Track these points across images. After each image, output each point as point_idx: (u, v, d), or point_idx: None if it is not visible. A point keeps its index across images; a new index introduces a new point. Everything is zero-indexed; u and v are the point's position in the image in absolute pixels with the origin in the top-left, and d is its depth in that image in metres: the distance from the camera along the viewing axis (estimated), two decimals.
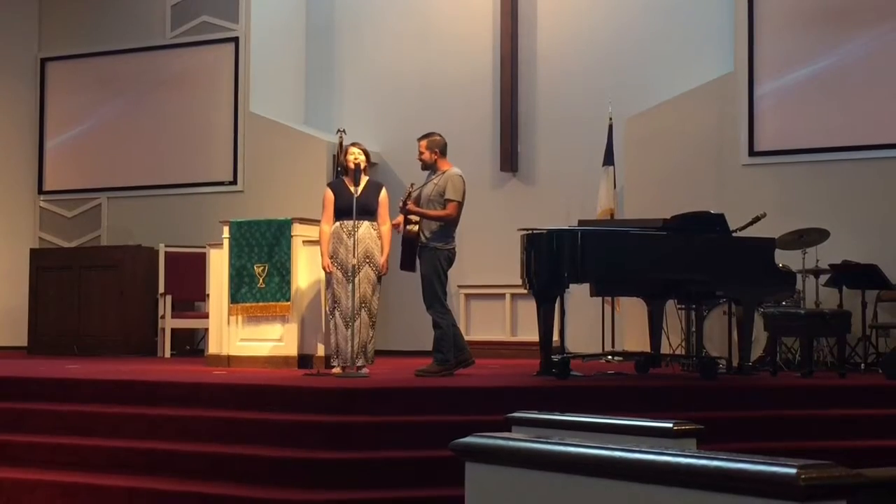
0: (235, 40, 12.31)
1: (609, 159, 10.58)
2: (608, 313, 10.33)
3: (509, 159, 11.53)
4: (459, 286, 11.21)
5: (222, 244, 9.18)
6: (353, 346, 7.82)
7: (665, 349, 8.95)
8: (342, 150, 8.45)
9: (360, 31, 12.50)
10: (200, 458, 6.18)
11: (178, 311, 11.41)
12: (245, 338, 9.03)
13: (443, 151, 8.07)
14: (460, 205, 7.94)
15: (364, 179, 8.09)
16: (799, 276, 9.00)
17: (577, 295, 9.81)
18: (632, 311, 10.09)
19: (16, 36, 13.27)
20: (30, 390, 7.46)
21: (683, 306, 8.88)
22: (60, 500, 6.08)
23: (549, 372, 7.60)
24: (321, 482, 5.82)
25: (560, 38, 11.58)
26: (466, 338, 8.41)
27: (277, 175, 11.90)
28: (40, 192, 13.30)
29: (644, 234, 7.95)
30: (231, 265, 9.07)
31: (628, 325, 10.29)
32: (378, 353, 8.46)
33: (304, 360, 8.80)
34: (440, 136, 8.11)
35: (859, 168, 9.98)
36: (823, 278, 9.27)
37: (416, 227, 7.90)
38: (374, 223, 8.01)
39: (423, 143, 8.08)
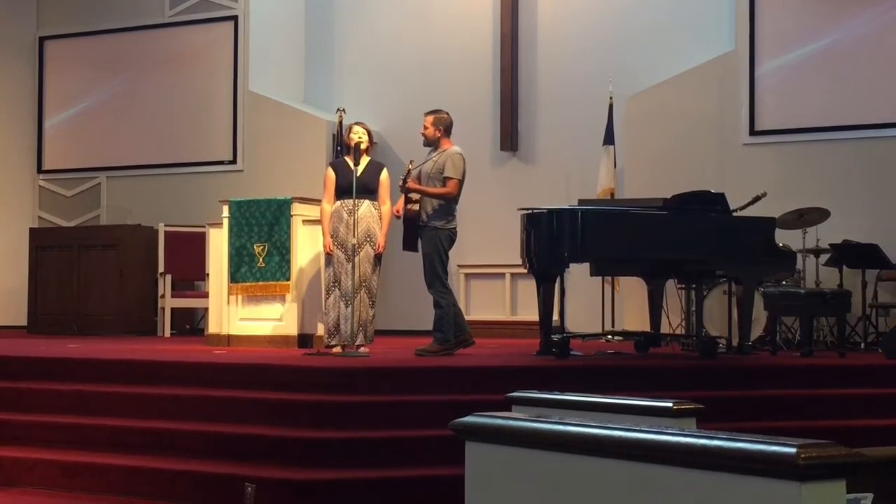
0: (234, 19, 12.27)
1: (609, 138, 10.56)
2: (608, 293, 10.33)
3: (509, 138, 11.51)
4: (459, 266, 11.20)
5: (222, 223, 9.17)
6: (352, 325, 7.82)
7: (665, 329, 8.95)
8: (343, 128, 8.42)
9: (360, 10, 12.46)
10: (200, 437, 6.20)
11: (177, 290, 11.41)
12: (245, 317, 9.04)
13: (447, 130, 8.03)
14: (460, 182, 7.91)
15: (365, 159, 8.06)
16: (799, 256, 9.00)
17: (577, 274, 9.81)
18: (632, 290, 10.08)
19: (14, 14, 13.22)
20: (29, 369, 7.46)
21: (683, 286, 8.88)
22: (60, 479, 6.10)
23: (548, 351, 7.60)
24: (321, 461, 5.83)
25: (560, 16, 11.54)
26: (466, 317, 8.40)
27: (277, 154, 11.88)
28: (39, 171, 13.29)
29: (644, 214, 7.94)
30: (231, 244, 9.06)
31: (628, 305, 10.29)
32: (378, 332, 8.45)
33: (304, 339, 8.80)
34: (448, 114, 8.07)
35: (860, 147, 9.96)
36: (824, 258, 9.27)
37: (416, 207, 7.88)
38: (375, 202, 7.99)
39: (430, 118, 8.03)
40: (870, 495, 2.75)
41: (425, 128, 8.03)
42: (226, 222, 9.12)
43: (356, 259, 7.84)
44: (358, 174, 7.92)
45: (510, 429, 2.44)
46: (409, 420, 6.19)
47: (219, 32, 12.38)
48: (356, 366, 6.84)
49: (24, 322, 12.24)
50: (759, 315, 8.73)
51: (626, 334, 9.42)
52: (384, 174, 8.10)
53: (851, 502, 2.68)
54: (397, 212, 7.98)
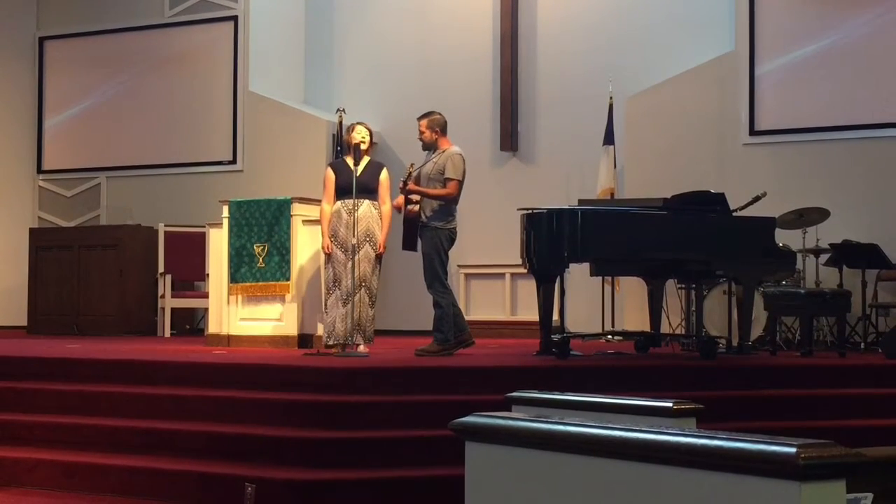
0: (234, 19, 12.27)
1: (609, 138, 10.56)
2: (608, 293, 10.33)
3: (509, 138, 11.51)
4: (459, 266, 11.20)
5: (222, 224, 9.17)
6: (348, 324, 7.81)
7: (665, 329, 8.95)
8: (343, 128, 8.40)
9: (360, 10, 12.45)
10: (200, 438, 6.20)
11: (177, 290, 11.41)
12: (245, 317, 9.04)
13: (443, 130, 8.02)
14: (460, 183, 7.90)
15: (365, 159, 8.06)
16: (799, 256, 9.00)
17: (577, 274, 9.81)
18: (632, 290, 10.08)
19: (14, 15, 13.22)
20: (30, 370, 7.46)
21: (683, 286, 8.87)
22: (60, 479, 6.09)
23: (548, 351, 7.59)
24: (320, 461, 5.83)
25: (560, 16, 11.54)
26: (466, 317, 8.40)
27: (277, 154, 11.88)
28: (39, 171, 13.29)
29: (644, 214, 7.94)
30: (230, 245, 9.06)
31: (628, 305, 10.29)
32: (378, 332, 8.45)
33: (304, 339, 8.80)
34: (440, 114, 8.07)
35: (860, 147, 9.96)
36: (823, 258, 9.27)
37: (416, 207, 7.87)
38: (375, 202, 7.98)
39: (424, 122, 8.03)
40: (870, 495, 2.75)
41: (421, 133, 8.01)
42: (226, 222, 9.12)
43: (356, 258, 7.84)
44: (358, 174, 7.92)
45: (510, 429, 2.44)
46: (409, 420, 6.18)
47: (219, 32, 12.38)
48: (356, 366, 6.84)
49: (24, 322, 12.24)
50: (759, 315, 8.73)
51: (626, 334, 9.42)
52: (384, 174, 8.09)
53: (851, 502, 2.68)
54: (398, 206, 7.97)
